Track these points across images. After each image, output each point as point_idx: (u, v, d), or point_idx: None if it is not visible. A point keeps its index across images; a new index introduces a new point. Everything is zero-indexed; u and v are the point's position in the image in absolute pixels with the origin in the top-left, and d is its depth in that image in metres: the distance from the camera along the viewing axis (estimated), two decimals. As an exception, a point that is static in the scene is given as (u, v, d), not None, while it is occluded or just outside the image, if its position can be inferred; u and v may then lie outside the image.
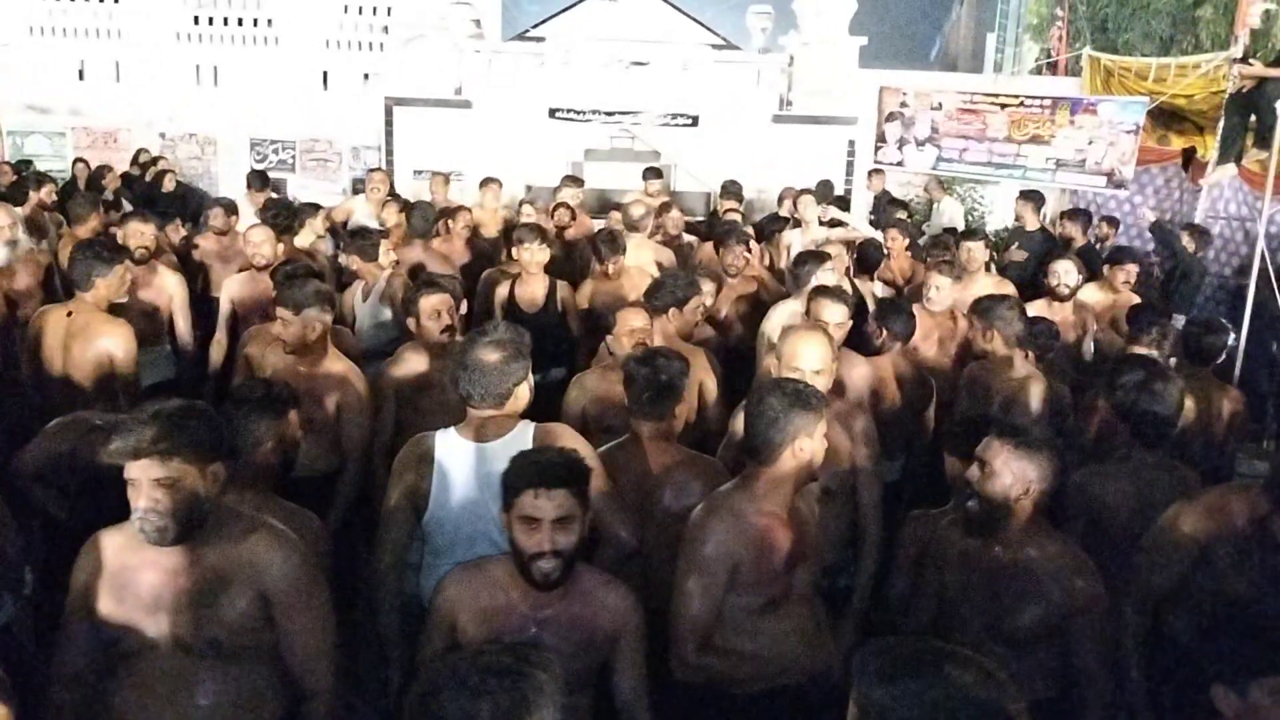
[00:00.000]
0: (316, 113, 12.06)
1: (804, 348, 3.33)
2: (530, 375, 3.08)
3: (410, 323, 4.16)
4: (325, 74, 12.40)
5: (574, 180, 9.04)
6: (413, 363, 4.10)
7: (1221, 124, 8.08)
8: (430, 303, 4.07)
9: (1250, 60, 7.86)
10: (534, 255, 5.60)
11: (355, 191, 10.69)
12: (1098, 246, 8.09)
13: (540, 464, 2.41)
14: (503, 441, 2.96)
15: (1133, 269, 6.15)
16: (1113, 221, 8.87)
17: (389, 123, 11.42)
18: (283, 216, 6.49)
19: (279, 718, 2.42)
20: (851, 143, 11.48)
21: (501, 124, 11.19)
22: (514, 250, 5.77)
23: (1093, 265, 6.54)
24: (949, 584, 2.84)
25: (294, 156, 12.08)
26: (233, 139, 12.05)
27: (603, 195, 10.25)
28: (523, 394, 3.05)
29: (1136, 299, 6.07)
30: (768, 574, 2.61)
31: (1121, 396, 3.43)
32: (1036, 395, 4.27)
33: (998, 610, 2.68)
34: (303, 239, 6.49)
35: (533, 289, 5.66)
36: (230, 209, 6.85)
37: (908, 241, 7.17)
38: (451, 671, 1.68)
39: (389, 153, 11.47)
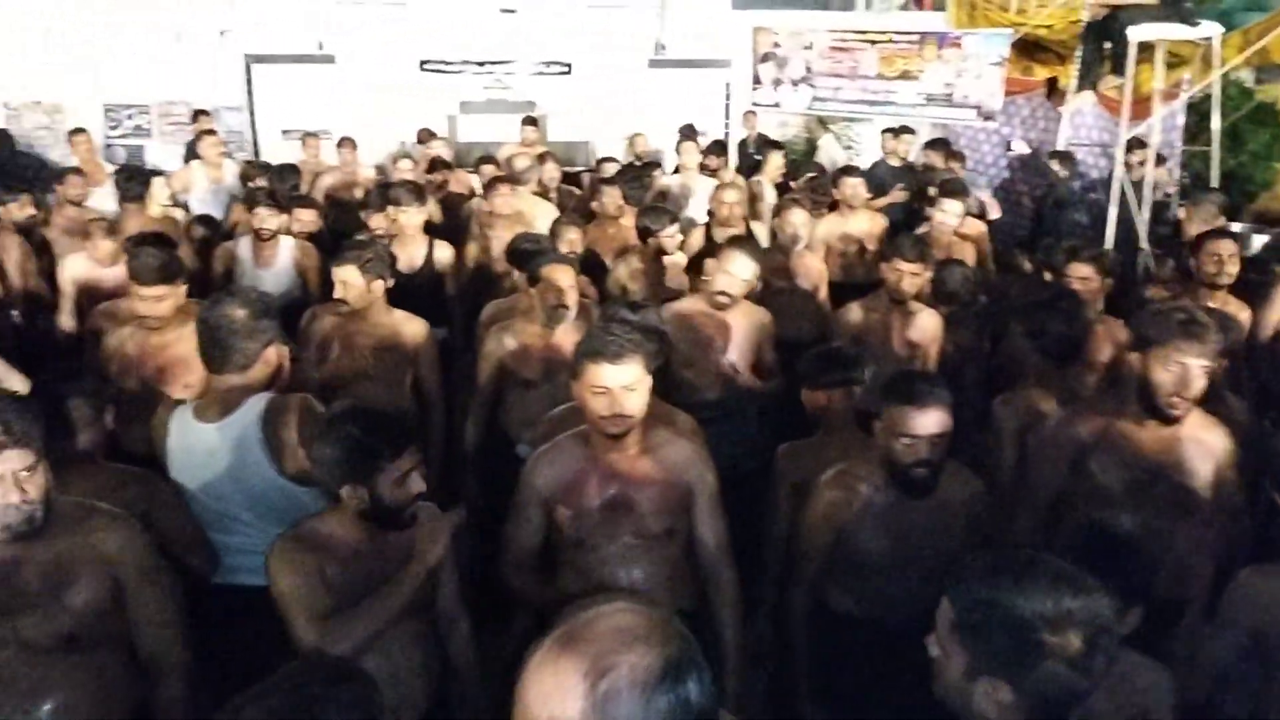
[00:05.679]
0: (171, 73, 11.34)
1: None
2: (280, 338, 2.92)
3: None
4: (178, 32, 11.71)
5: (432, 134, 9.12)
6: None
7: (1079, 52, 8.31)
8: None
9: (1104, -11, 8.05)
10: (410, 218, 5.39)
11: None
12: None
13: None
14: (232, 420, 2.80)
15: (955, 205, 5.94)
16: (959, 155, 8.89)
17: (249, 81, 10.92)
18: (135, 185, 6.17)
19: (136, 704, 2.34)
20: (728, 85, 11.46)
21: (369, 79, 10.81)
22: (390, 210, 5.56)
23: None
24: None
25: (150, 122, 11.40)
26: (83, 105, 11.31)
27: (481, 148, 10.02)
28: (271, 357, 2.88)
29: (981, 226, 6.30)
30: (573, 515, 2.66)
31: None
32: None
33: None
34: (153, 208, 6.19)
35: (410, 252, 5.41)
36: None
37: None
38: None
39: (252, 113, 10.98)
